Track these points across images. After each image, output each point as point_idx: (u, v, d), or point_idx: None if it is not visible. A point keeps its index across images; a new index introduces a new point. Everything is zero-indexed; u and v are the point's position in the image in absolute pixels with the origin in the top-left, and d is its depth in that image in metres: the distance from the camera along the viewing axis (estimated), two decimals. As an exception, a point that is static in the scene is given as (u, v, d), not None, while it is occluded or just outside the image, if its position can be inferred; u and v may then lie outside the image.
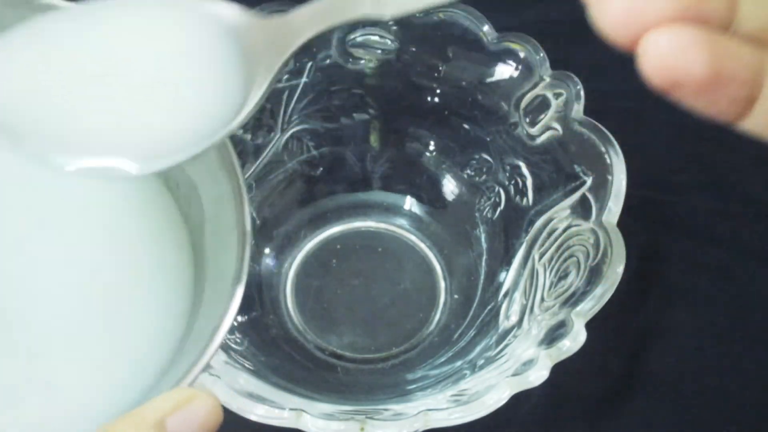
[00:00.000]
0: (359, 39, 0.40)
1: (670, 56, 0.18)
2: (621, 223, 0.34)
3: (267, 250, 0.43)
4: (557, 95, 0.37)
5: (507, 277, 0.39)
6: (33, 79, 0.25)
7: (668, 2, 0.18)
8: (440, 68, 0.40)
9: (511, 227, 0.40)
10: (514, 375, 0.31)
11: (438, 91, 0.41)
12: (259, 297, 0.42)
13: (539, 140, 0.38)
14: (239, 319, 0.40)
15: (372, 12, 0.22)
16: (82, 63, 0.25)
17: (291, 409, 0.30)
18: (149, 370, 0.26)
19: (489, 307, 0.40)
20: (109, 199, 0.30)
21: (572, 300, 0.33)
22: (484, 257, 0.42)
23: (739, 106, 0.19)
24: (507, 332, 0.37)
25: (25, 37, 0.25)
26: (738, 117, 0.19)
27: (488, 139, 0.41)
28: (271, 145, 0.42)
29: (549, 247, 0.37)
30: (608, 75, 0.48)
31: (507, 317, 0.38)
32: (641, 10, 0.18)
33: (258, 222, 0.43)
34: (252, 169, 0.42)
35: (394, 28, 0.40)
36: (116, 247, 0.29)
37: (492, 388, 0.30)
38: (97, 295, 0.28)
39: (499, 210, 0.41)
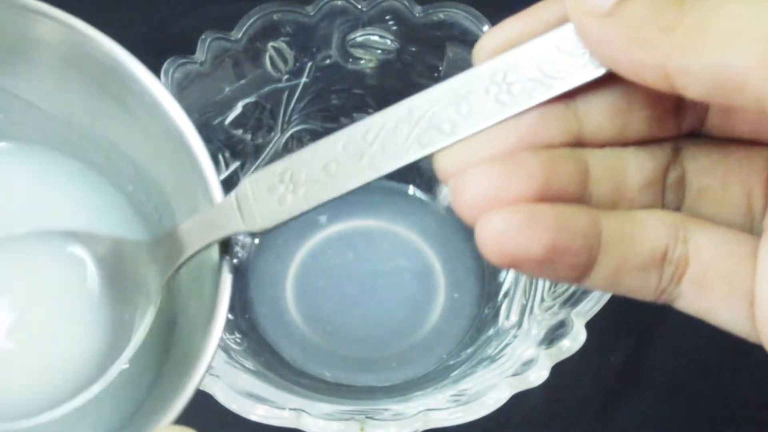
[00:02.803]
0: (359, 39, 0.40)
1: (507, 237, 0.19)
2: (621, 223, 0.34)
3: (267, 250, 0.43)
4: (557, 95, 0.37)
5: (507, 277, 0.39)
6: None
7: (523, 184, 0.19)
8: (440, 68, 0.40)
9: (511, 227, 0.40)
10: (514, 375, 0.31)
11: (438, 91, 0.41)
12: (258, 297, 0.42)
13: (539, 140, 0.38)
14: (239, 319, 0.40)
15: (245, 228, 0.22)
16: None
17: (291, 409, 0.30)
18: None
19: (489, 307, 0.40)
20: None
21: (572, 300, 0.33)
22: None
23: (578, 271, 0.19)
24: (507, 332, 0.37)
25: None
26: (579, 279, 0.20)
27: (488, 139, 0.41)
28: (271, 145, 0.42)
29: (549, 247, 0.37)
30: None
31: (507, 317, 0.38)
32: (496, 193, 0.19)
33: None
34: (252, 169, 0.42)
35: (394, 28, 0.40)
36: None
37: (492, 388, 0.30)
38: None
39: (499, 210, 0.41)
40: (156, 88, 0.24)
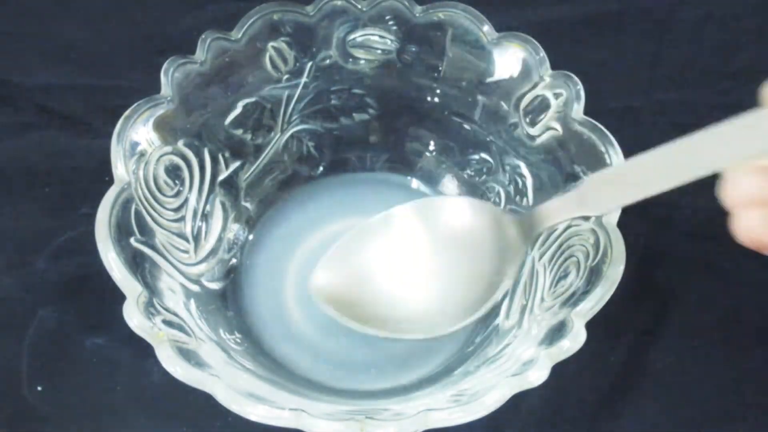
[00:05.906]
0: (359, 39, 0.40)
1: None
2: (621, 223, 0.34)
3: (267, 250, 0.43)
4: (557, 95, 0.37)
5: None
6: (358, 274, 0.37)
7: None
8: (440, 68, 0.40)
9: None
10: (514, 375, 0.31)
11: (438, 91, 0.41)
12: (258, 297, 0.42)
13: (539, 140, 0.38)
14: (239, 318, 0.40)
15: (586, 212, 0.32)
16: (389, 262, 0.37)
17: (291, 409, 0.30)
18: None
19: (489, 307, 0.40)
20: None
21: (572, 300, 0.33)
22: (484, 257, 0.42)
23: None
24: (507, 332, 0.37)
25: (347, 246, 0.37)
26: None
27: (488, 139, 0.41)
28: (271, 145, 0.42)
29: (549, 247, 0.37)
30: (608, 75, 0.49)
31: (507, 317, 0.38)
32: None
33: (257, 222, 0.43)
34: (252, 169, 0.42)
35: (394, 28, 0.40)
36: None
37: (492, 388, 0.30)
38: None
39: (499, 210, 0.41)
40: None
